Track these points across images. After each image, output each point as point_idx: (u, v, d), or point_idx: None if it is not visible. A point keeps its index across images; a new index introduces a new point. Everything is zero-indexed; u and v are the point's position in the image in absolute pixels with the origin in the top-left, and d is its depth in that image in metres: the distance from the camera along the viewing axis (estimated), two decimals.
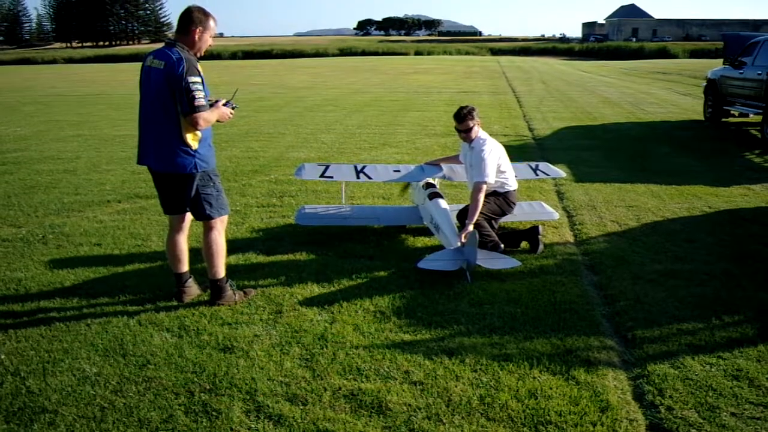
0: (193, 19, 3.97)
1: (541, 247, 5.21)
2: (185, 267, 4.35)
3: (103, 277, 4.83)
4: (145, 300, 4.38)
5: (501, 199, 5.26)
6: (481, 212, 5.01)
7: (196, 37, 3.99)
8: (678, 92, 20.33)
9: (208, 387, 3.27)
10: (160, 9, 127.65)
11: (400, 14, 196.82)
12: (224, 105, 4.11)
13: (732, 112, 12.64)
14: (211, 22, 4.04)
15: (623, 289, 4.50)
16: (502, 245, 5.02)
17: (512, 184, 5.38)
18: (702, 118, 13.79)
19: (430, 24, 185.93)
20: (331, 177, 5.45)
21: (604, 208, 6.58)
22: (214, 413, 3.04)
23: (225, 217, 4.30)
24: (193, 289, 4.41)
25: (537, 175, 5.90)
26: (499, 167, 5.22)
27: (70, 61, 68.89)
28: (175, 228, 4.29)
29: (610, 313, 4.16)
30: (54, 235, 5.90)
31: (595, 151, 10.12)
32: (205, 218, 4.18)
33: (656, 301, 4.27)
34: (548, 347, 3.63)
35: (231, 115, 4.17)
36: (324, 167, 5.52)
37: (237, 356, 3.59)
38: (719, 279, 4.68)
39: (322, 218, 5.58)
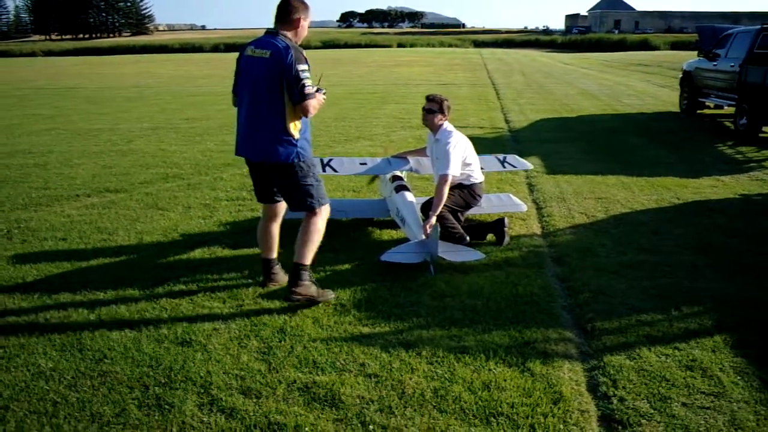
0: (294, 7, 3.94)
1: (506, 239, 5.22)
2: (274, 254, 4.39)
3: (67, 272, 4.77)
4: (107, 295, 4.33)
5: (466, 192, 5.26)
6: (446, 205, 5.01)
7: (299, 25, 3.97)
8: (656, 84, 20.48)
9: (163, 381, 3.25)
10: (141, 1, 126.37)
11: (384, 6, 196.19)
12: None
13: (707, 103, 12.75)
14: (310, 10, 4.04)
15: (586, 281, 4.51)
16: (468, 237, 5.03)
17: (478, 177, 5.38)
18: (678, 109, 13.89)
19: (414, 16, 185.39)
20: None
21: (573, 200, 6.60)
22: (166, 407, 3.02)
23: (328, 206, 4.24)
24: (279, 276, 4.40)
25: (504, 167, 5.90)
26: (464, 160, 5.21)
27: (50, 53, 68.04)
28: (268, 216, 4.33)
29: (572, 305, 4.17)
30: (19, 230, 5.83)
31: (570, 142, 10.16)
32: (307, 209, 4.11)
33: (618, 293, 4.29)
34: (506, 339, 3.63)
35: (324, 101, 4.10)
36: None
37: (194, 350, 3.56)
38: (682, 270, 4.71)
39: (288, 212, 5.52)
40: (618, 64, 32.92)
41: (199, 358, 3.47)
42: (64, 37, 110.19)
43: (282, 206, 4.34)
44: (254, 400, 3.06)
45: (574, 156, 9.03)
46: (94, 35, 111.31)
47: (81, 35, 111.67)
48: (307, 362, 3.41)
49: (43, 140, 11.12)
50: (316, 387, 3.17)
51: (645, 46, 56.19)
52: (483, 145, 9.16)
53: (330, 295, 4.16)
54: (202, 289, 4.39)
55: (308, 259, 4.08)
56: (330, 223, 5.68)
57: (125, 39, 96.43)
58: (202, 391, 3.16)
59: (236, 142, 4.12)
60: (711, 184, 7.34)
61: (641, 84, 21.01)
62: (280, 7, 3.96)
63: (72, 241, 5.52)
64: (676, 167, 8.18)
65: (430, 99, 5.28)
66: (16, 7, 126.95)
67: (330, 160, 5.57)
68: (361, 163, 5.62)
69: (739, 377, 3.26)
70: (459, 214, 5.22)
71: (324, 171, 5.44)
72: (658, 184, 7.26)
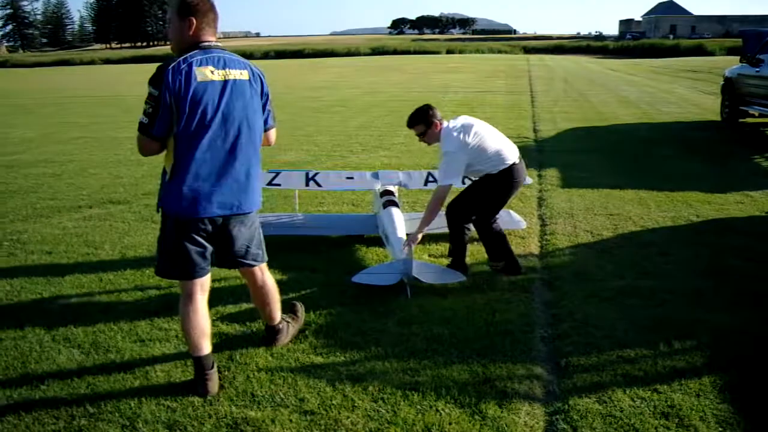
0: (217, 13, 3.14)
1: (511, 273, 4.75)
2: (210, 344, 3.27)
3: (39, 288, 4.68)
4: (69, 313, 4.21)
5: (499, 180, 4.56)
6: (472, 218, 4.60)
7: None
8: (702, 91, 19.54)
9: (91, 411, 3.07)
10: None
11: (436, 13, 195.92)
12: None
13: (750, 112, 12.01)
14: None
15: (573, 309, 4.15)
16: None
17: (510, 159, 4.58)
18: (719, 118, 13.16)
19: (465, 22, 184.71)
20: (279, 185, 5.22)
21: (581, 217, 6.20)
22: None
23: None
24: (216, 376, 3.26)
25: (463, 183, 5.37)
26: (483, 151, 4.48)
27: (108, 62, 70.02)
28: (203, 288, 3.26)
29: (551, 335, 3.81)
30: (10, 242, 5.80)
31: (595, 153, 9.67)
32: (262, 260, 3.43)
33: (605, 323, 3.92)
34: (466, 375, 3.32)
35: None
36: (274, 174, 5.29)
37: (135, 377, 3.39)
38: (684, 298, 4.30)
39: (274, 228, 5.34)
40: (667, 70, 31.76)
41: (136, 387, 3.29)
42: (123, 45, 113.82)
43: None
44: None
45: (595, 168, 8.56)
46: (151, 43, 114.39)
47: (139, 43, 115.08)
48: (245, 395, 3.18)
49: (69, 149, 11.28)
50: (244, 424, 2.94)
51: (700, 51, 54.18)
52: None
53: (300, 312, 3.91)
54: (164, 310, 4.21)
55: (280, 312, 3.65)
56: (318, 238, 5.52)
57: None
58: (128, 423, 2.97)
59: (196, 199, 3.03)
60: (738, 199, 6.81)
61: (686, 91, 20.12)
62: (215, 12, 3.09)
63: (56, 254, 5.45)
64: (704, 181, 7.64)
65: (411, 125, 4.65)
66: (81, 17, 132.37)
67: (316, 174, 5.36)
68: (348, 178, 5.38)
69: (720, 428, 2.88)
70: (491, 223, 4.68)
71: (307, 186, 5.23)
72: (678, 200, 6.78)
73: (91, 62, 69.19)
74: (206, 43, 3.03)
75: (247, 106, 3.09)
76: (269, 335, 3.66)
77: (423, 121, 4.59)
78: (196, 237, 3.10)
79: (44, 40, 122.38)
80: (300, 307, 3.96)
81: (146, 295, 4.49)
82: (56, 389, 3.27)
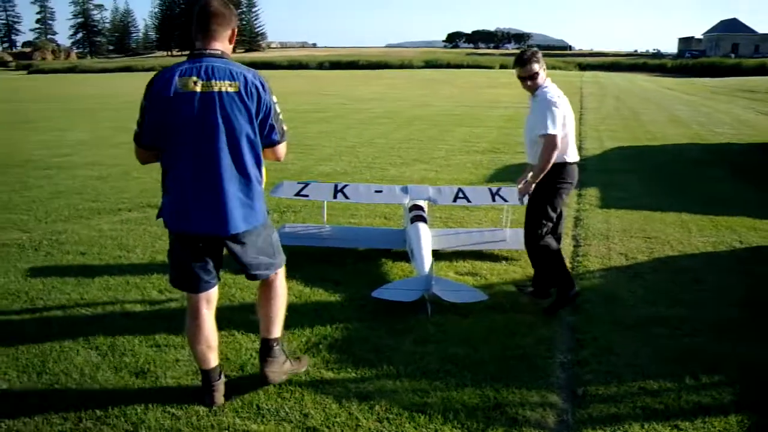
0: (231, 16, 2.98)
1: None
2: (217, 356, 3.24)
3: (68, 288, 4.79)
4: (93, 315, 4.30)
5: (552, 174, 4.23)
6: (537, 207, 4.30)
7: (234, 39, 3.02)
8: (760, 112, 18.83)
9: (98, 414, 3.11)
10: (256, 19, 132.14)
11: (492, 27, 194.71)
12: None
13: None
14: None
15: (598, 335, 4.01)
16: (575, 290, 4.35)
17: (570, 157, 4.31)
18: None
19: (520, 38, 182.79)
20: (307, 196, 5.23)
21: (617, 239, 6.01)
22: None
23: None
24: (222, 387, 3.24)
25: (494, 200, 5.26)
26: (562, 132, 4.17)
27: None
28: (209, 302, 3.16)
29: (571, 361, 3.69)
30: (48, 243, 5.97)
31: (638, 173, 9.37)
32: (277, 268, 3.27)
33: (629, 352, 3.76)
34: (476, 399, 3.23)
35: None
36: (302, 185, 5.31)
37: (146, 382, 3.42)
38: (714, 329, 4.10)
39: (301, 239, 5.35)
40: (724, 90, 30.74)
41: (146, 392, 3.31)
42: (183, 53, 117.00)
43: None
44: None
45: (636, 189, 8.30)
46: None
47: None
48: (251, 407, 3.17)
49: (117, 152, 11.57)
50: None
51: (763, 71, 52.29)
52: None
53: (305, 363, 3.55)
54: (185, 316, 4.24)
55: (281, 331, 3.37)
56: (345, 251, 5.50)
57: (237, 55, 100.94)
58: (131, 429, 3.00)
59: (183, 216, 2.96)
60: None
61: (742, 111, 19.38)
62: (211, 18, 2.90)
63: (89, 256, 5.59)
64: (753, 206, 7.30)
65: (523, 62, 4.20)
66: (146, 25, 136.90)
67: (345, 186, 5.35)
68: (377, 191, 5.35)
69: None
70: (549, 209, 4.32)
71: (335, 198, 5.22)
72: (723, 225, 6.50)
73: (152, 69, 71.11)
74: (198, 51, 2.89)
75: (232, 120, 2.86)
76: (262, 351, 3.34)
77: (540, 63, 4.23)
78: (195, 251, 3.01)
79: (111, 47, 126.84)
80: (305, 362, 3.57)
81: (170, 300, 4.54)
82: (70, 390, 3.33)
